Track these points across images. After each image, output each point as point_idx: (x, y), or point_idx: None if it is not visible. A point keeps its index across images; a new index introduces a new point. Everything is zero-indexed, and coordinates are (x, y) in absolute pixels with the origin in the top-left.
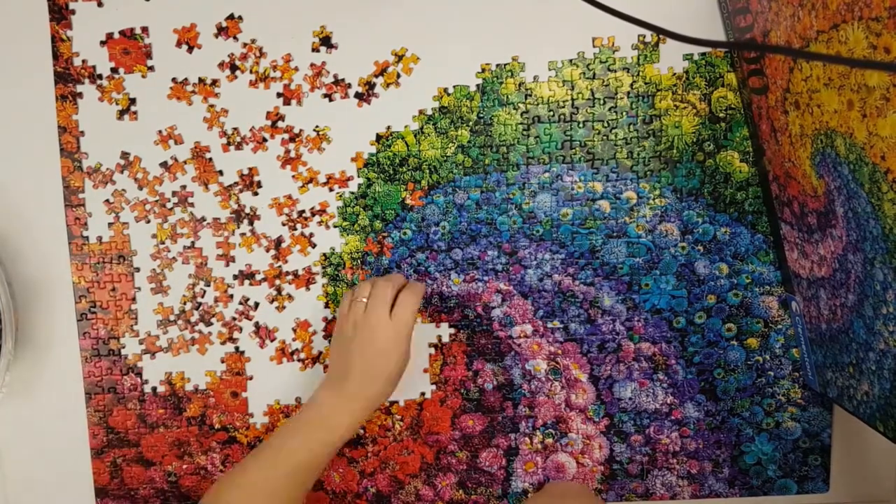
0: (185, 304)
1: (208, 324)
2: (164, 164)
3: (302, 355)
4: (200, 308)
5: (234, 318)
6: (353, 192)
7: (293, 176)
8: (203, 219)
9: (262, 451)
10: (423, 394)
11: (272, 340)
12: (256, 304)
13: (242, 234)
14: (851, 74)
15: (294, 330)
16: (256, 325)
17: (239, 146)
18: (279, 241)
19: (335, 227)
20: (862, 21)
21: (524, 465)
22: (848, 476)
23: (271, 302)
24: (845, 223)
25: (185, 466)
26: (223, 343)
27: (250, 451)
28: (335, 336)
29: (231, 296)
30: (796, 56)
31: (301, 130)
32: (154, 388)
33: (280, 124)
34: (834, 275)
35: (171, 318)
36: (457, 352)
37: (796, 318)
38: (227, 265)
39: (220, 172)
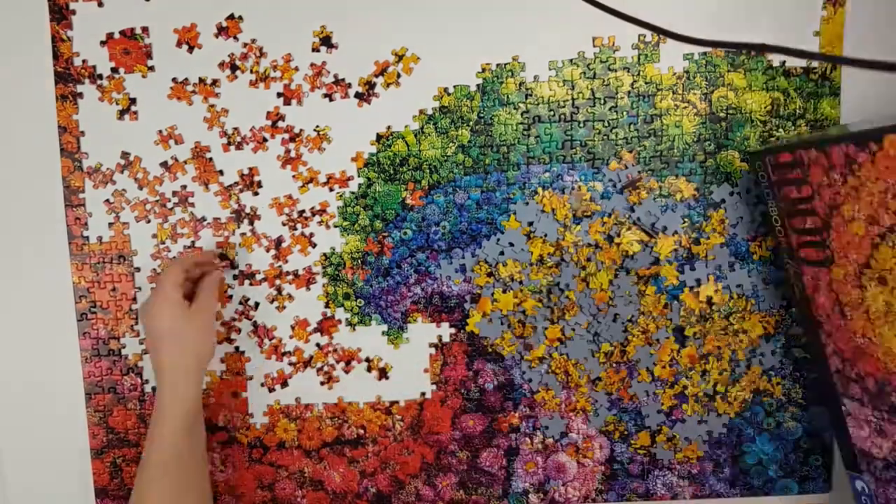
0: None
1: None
2: (164, 164)
3: (293, 358)
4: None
5: (233, 319)
6: (353, 192)
7: (293, 176)
8: (203, 219)
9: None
10: (423, 394)
11: (270, 339)
12: (257, 304)
13: (243, 234)
14: None
15: (292, 328)
16: (255, 324)
17: (239, 146)
18: (279, 241)
19: (335, 226)
20: None
21: (524, 465)
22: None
23: (271, 302)
24: None
25: None
26: (220, 342)
27: (248, 452)
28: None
29: (231, 296)
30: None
31: (301, 130)
32: (154, 389)
33: (280, 124)
34: None
35: None
36: (457, 352)
37: (863, 497)
38: (229, 268)
39: (221, 172)
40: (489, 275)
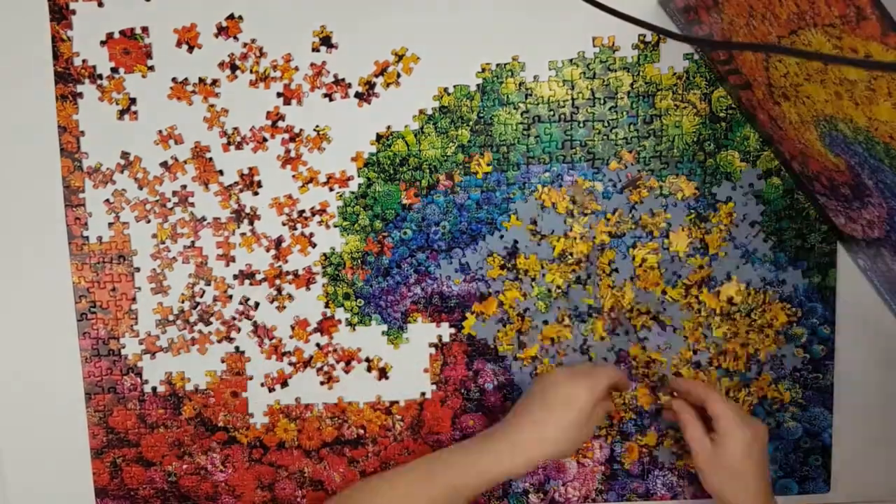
0: (184, 303)
1: (207, 323)
2: (164, 164)
3: (293, 358)
4: (199, 308)
5: (233, 318)
6: (353, 192)
7: (293, 176)
8: (203, 219)
9: (414, 468)
10: (423, 394)
11: (270, 339)
12: (257, 304)
13: (242, 234)
14: (829, 70)
15: (292, 327)
16: (255, 324)
17: (239, 146)
18: (279, 241)
19: (335, 226)
20: (818, 27)
21: None
22: (849, 476)
23: (271, 302)
24: (880, 192)
25: (185, 466)
26: (220, 341)
27: (248, 452)
28: (536, 384)
29: (230, 296)
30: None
31: (301, 130)
32: (154, 388)
33: (280, 124)
34: (889, 235)
35: (171, 318)
36: (457, 352)
37: (868, 273)
38: (228, 265)
39: (221, 172)
40: (502, 267)
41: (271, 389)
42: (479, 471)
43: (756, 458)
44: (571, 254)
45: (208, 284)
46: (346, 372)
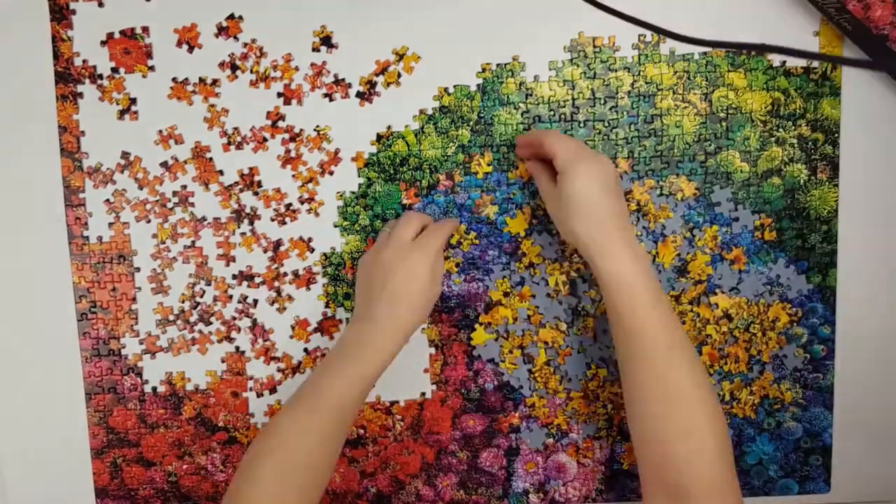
0: (184, 303)
1: (208, 323)
2: (164, 164)
3: (281, 365)
4: (199, 307)
5: (233, 318)
6: (353, 192)
7: (293, 175)
8: (203, 218)
9: (297, 399)
10: (423, 394)
11: (265, 340)
12: (255, 301)
13: (243, 234)
14: None
15: (293, 327)
16: (254, 321)
17: (239, 146)
18: (278, 244)
19: (335, 226)
20: None
21: (525, 465)
22: (849, 476)
23: (271, 304)
24: None
25: (185, 466)
26: (220, 342)
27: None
28: (358, 268)
29: (231, 296)
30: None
31: (301, 130)
32: (154, 388)
33: (280, 124)
34: None
35: (171, 317)
36: (457, 352)
37: None
38: (228, 265)
39: (221, 172)
40: (509, 258)
41: (259, 395)
42: (352, 380)
43: (598, 190)
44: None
45: (208, 284)
46: None
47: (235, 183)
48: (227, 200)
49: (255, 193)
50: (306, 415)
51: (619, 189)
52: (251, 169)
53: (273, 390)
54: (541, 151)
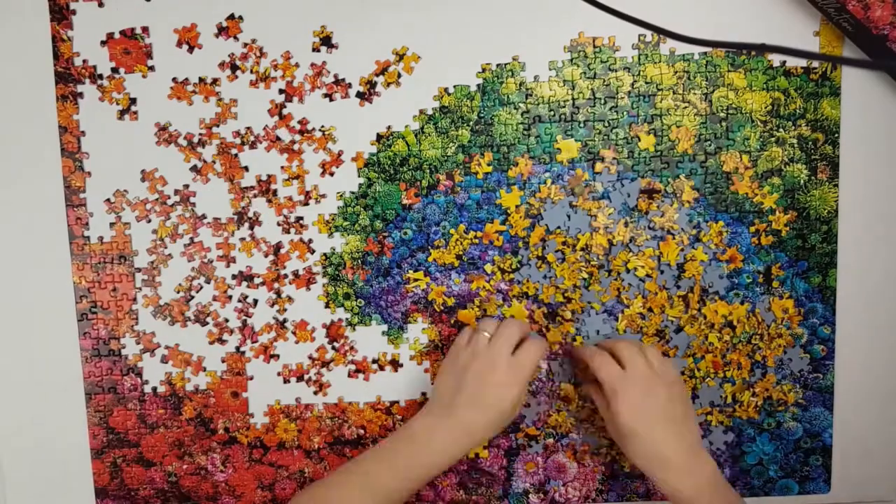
0: (185, 301)
1: (204, 324)
2: (163, 165)
3: (278, 367)
4: (198, 307)
5: (232, 317)
6: (353, 192)
7: (293, 175)
8: (203, 216)
9: (349, 474)
10: (423, 394)
11: (254, 342)
12: (255, 301)
13: (242, 239)
14: None
15: (294, 333)
16: (244, 322)
17: (240, 147)
18: (278, 247)
19: (336, 227)
20: None
21: (525, 465)
22: (849, 476)
23: (272, 306)
24: None
25: (185, 467)
26: (211, 343)
27: (248, 452)
28: (446, 363)
29: (230, 296)
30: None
31: (302, 130)
32: (154, 388)
33: (280, 123)
34: None
35: (171, 316)
36: None
37: None
38: (228, 266)
39: (246, 168)
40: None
41: (272, 390)
42: (408, 475)
43: (646, 422)
44: (589, 248)
45: (208, 282)
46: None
47: (251, 186)
48: (237, 201)
49: (269, 201)
50: (351, 494)
51: (674, 407)
52: (269, 176)
53: (301, 378)
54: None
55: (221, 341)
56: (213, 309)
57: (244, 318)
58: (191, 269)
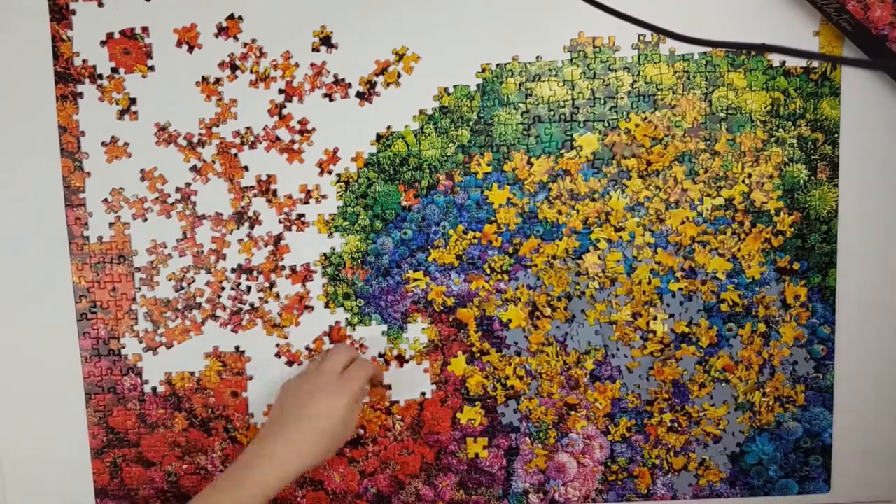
0: (184, 298)
1: (198, 309)
2: (163, 164)
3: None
4: (196, 303)
5: (233, 310)
6: (353, 192)
7: (293, 175)
8: (203, 216)
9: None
10: (423, 394)
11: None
12: (249, 289)
13: (240, 240)
14: None
15: (281, 315)
16: (240, 310)
17: (240, 147)
18: (279, 238)
19: (336, 227)
20: None
21: (524, 466)
22: (849, 476)
23: (265, 301)
24: None
25: (185, 466)
26: (203, 322)
27: None
28: (280, 391)
29: (223, 287)
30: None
31: (302, 130)
32: (154, 388)
33: (280, 124)
34: None
35: (171, 315)
36: (457, 352)
37: None
38: (224, 259)
39: (246, 168)
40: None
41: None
42: (239, 495)
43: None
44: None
45: (209, 273)
46: None
47: (251, 186)
48: (238, 200)
49: (269, 200)
50: None
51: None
52: (269, 176)
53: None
54: None
55: (215, 317)
56: (203, 302)
57: (239, 305)
58: (186, 263)
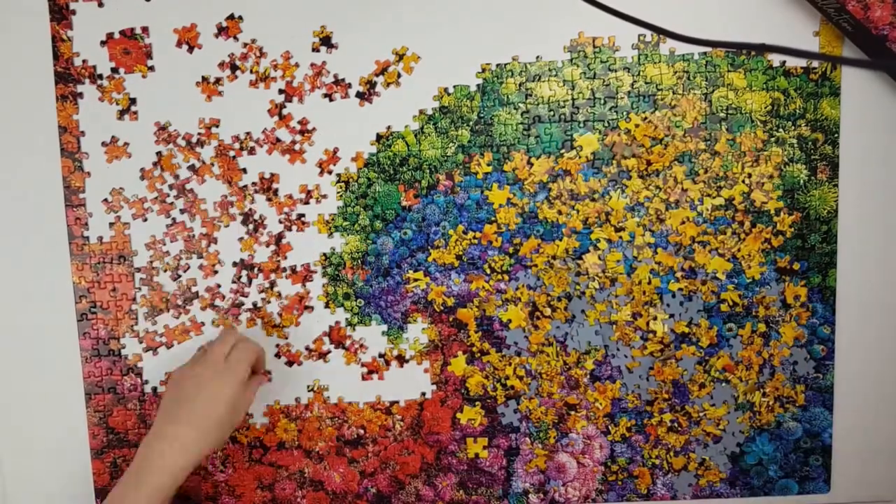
0: (185, 295)
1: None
2: (162, 164)
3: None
4: (195, 301)
5: (231, 309)
6: (353, 192)
7: (293, 175)
8: (202, 215)
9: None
10: (423, 394)
11: (265, 319)
12: (251, 280)
13: (241, 239)
14: None
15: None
16: (254, 305)
17: (241, 152)
18: (280, 237)
19: (336, 227)
20: None
21: (524, 466)
22: (849, 476)
23: (267, 302)
24: None
25: None
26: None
27: (248, 452)
28: (168, 383)
29: (216, 271)
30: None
31: (301, 130)
32: (154, 389)
33: (280, 124)
34: None
35: (170, 314)
36: (457, 352)
37: None
38: (215, 242)
39: (244, 170)
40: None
41: (271, 389)
42: (139, 492)
43: None
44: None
45: (209, 261)
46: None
47: (252, 183)
48: (241, 201)
49: (269, 199)
50: None
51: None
52: (272, 175)
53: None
54: None
55: (213, 307)
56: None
57: (241, 298)
58: (180, 250)
